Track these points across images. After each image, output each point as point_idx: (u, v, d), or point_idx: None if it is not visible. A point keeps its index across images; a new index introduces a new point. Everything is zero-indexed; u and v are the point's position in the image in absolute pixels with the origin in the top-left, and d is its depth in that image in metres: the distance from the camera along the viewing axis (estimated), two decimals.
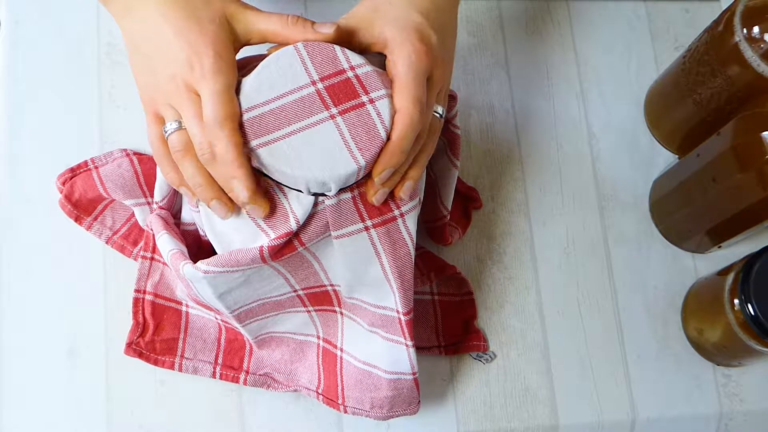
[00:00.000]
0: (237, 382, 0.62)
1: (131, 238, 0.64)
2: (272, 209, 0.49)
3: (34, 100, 0.67)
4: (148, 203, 0.63)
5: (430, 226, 0.66)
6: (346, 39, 0.50)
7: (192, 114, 0.47)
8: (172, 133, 0.48)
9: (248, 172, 0.46)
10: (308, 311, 0.59)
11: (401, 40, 0.49)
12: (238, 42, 0.49)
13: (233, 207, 0.49)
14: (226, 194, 0.48)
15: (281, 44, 0.50)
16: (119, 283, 0.63)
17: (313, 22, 0.49)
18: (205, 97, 0.46)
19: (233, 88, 0.47)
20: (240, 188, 0.46)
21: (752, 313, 0.59)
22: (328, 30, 0.49)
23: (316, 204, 0.48)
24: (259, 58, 0.50)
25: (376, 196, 0.49)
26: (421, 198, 0.55)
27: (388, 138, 0.48)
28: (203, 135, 0.46)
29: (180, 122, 0.48)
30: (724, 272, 0.64)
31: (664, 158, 0.73)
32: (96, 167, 0.64)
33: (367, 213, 0.49)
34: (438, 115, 0.51)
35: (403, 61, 0.48)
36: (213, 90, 0.46)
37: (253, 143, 0.46)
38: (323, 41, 0.49)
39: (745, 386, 0.68)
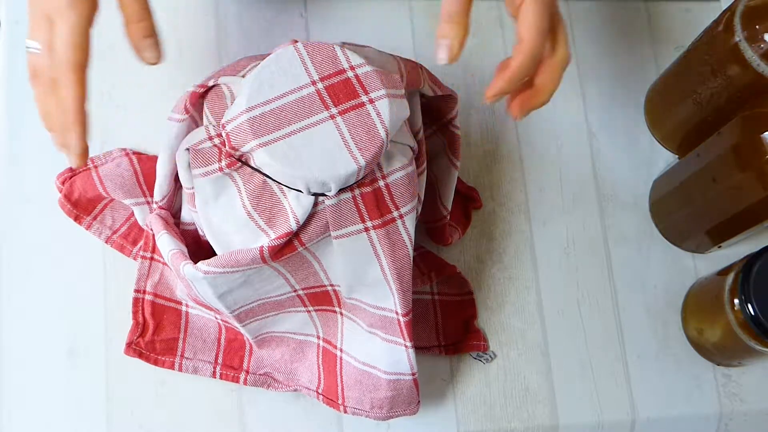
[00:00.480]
0: (237, 381, 0.62)
1: (131, 238, 0.64)
2: (272, 209, 0.49)
3: (34, 100, 0.67)
4: (148, 203, 0.63)
5: (430, 227, 0.66)
6: None
7: (44, 44, 0.47)
8: (29, 53, 0.48)
9: (82, 130, 0.47)
10: (308, 311, 0.59)
11: None
12: None
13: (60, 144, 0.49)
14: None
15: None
16: (119, 283, 0.63)
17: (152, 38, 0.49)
18: (58, 33, 0.46)
19: (87, 24, 0.47)
20: (73, 143, 0.46)
21: (752, 313, 0.59)
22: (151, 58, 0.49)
23: (316, 204, 0.48)
24: (259, 58, 0.50)
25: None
26: (421, 198, 0.55)
27: (388, 137, 0.48)
28: (49, 69, 0.46)
29: (38, 47, 0.48)
30: (724, 272, 0.64)
31: (664, 158, 0.73)
32: (95, 166, 0.64)
33: (367, 213, 0.49)
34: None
35: None
36: (65, 27, 0.46)
37: (253, 143, 0.46)
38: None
39: (745, 386, 0.68)
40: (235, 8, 0.72)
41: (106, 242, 0.64)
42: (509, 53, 0.73)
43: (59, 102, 0.47)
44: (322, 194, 0.48)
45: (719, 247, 0.69)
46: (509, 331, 0.67)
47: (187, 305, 0.63)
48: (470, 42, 0.73)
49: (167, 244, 0.54)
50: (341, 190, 0.48)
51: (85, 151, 0.47)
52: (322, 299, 0.57)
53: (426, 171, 0.54)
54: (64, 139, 0.47)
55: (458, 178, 0.62)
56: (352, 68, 0.49)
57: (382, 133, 0.48)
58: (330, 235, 0.50)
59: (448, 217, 0.64)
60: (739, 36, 0.60)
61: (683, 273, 0.70)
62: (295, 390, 0.62)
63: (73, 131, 0.47)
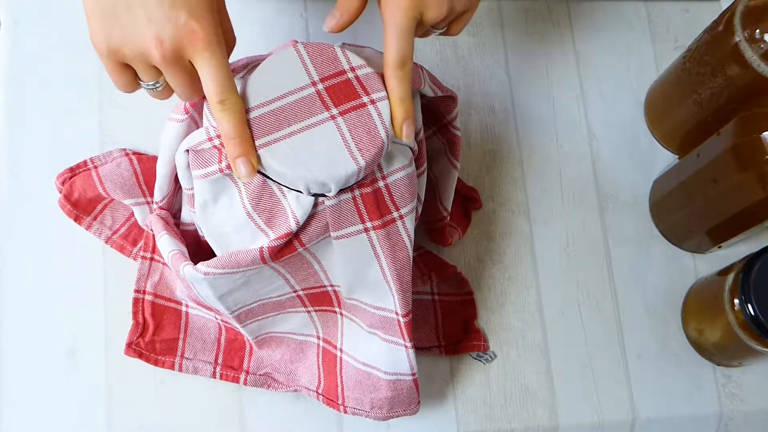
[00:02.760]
0: (237, 382, 0.62)
1: (131, 238, 0.64)
2: (272, 210, 0.49)
3: (34, 100, 0.67)
4: (147, 203, 0.63)
5: (430, 227, 0.66)
6: None
7: (182, 82, 0.46)
8: (154, 89, 0.47)
9: (253, 147, 0.46)
10: (308, 311, 0.59)
11: None
12: None
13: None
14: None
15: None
16: (119, 283, 0.63)
17: None
18: (207, 72, 0.45)
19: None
20: (245, 166, 0.46)
21: (752, 313, 0.59)
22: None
23: (315, 204, 0.48)
24: (259, 59, 0.50)
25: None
26: (421, 199, 0.55)
27: (388, 138, 0.48)
28: (192, 95, 0.46)
29: (161, 81, 0.47)
30: (724, 272, 0.64)
31: (664, 158, 0.73)
32: (95, 167, 0.64)
33: (367, 214, 0.49)
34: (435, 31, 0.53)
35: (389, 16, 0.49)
36: (217, 64, 0.44)
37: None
38: None
39: (745, 386, 0.68)
40: (236, 8, 0.72)
41: (106, 242, 0.64)
42: (509, 53, 0.74)
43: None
44: (322, 195, 0.48)
45: (719, 247, 0.69)
46: (509, 331, 0.67)
47: (187, 305, 0.63)
48: (470, 42, 0.74)
49: (167, 245, 0.54)
50: (341, 191, 0.48)
51: (255, 169, 0.47)
52: (322, 300, 0.57)
53: (426, 172, 0.54)
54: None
55: (458, 178, 0.62)
56: (352, 69, 0.49)
57: (383, 134, 0.48)
58: (330, 235, 0.50)
59: (448, 218, 0.64)
60: (739, 36, 0.60)
61: (683, 273, 0.70)
62: (295, 390, 0.62)
63: (241, 156, 0.46)
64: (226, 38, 0.47)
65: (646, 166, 0.73)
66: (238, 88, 0.48)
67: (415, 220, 0.52)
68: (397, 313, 0.54)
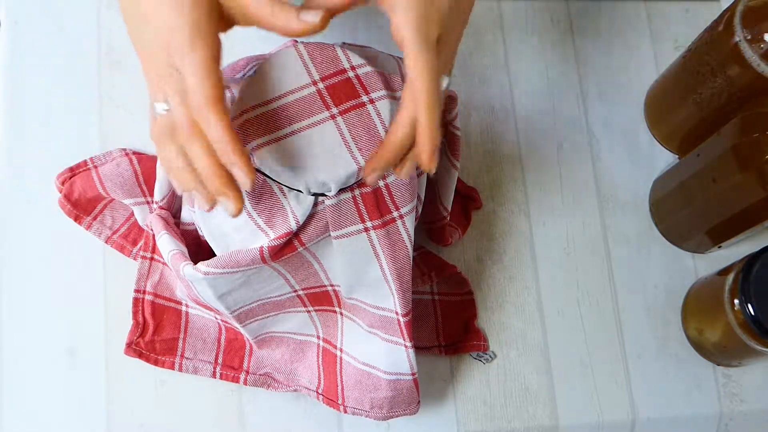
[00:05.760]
0: (237, 382, 0.62)
1: (131, 238, 0.64)
2: (272, 209, 0.49)
3: (34, 100, 0.67)
4: (148, 203, 0.63)
5: (430, 227, 0.66)
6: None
7: (174, 92, 0.43)
8: (160, 115, 0.44)
9: (246, 159, 0.42)
10: (308, 311, 0.59)
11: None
12: (223, 22, 0.44)
13: (213, 198, 0.44)
14: (204, 184, 0.44)
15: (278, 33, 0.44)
16: (119, 283, 0.63)
17: (299, 10, 0.43)
18: (186, 74, 0.42)
19: (214, 61, 0.42)
20: (242, 176, 0.42)
21: (752, 313, 0.59)
22: (314, 19, 0.42)
23: (316, 204, 0.48)
24: (259, 58, 0.50)
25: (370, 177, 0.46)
26: (421, 199, 0.55)
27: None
28: (187, 116, 0.42)
29: (166, 106, 0.44)
30: (724, 272, 0.64)
31: (664, 158, 0.73)
32: (95, 166, 0.64)
33: (367, 214, 0.49)
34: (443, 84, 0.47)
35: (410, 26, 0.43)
36: (194, 67, 0.41)
37: (254, 143, 0.46)
38: (311, 30, 0.43)
39: (745, 386, 0.68)
40: None
41: (106, 242, 0.64)
42: (509, 53, 0.74)
43: (205, 147, 0.42)
44: (322, 194, 0.48)
45: (719, 247, 0.69)
46: (509, 331, 0.67)
47: (187, 305, 0.63)
48: (470, 42, 0.74)
49: (167, 245, 0.54)
50: (341, 190, 0.48)
51: (253, 182, 0.42)
52: (322, 299, 0.57)
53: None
54: (220, 183, 0.42)
55: (458, 178, 0.62)
56: (352, 68, 0.49)
57: (382, 134, 0.48)
58: (330, 235, 0.50)
59: (448, 218, 0.64)
60: (739, 36, 0.60)
61: (683, 273, 0.70)
62: (295, 390, 0.62)
63: (236, 163, 0.41)
64: None
65: (646, 166, 0.73)
66: (239, 88, 0.48)
67: (415, 219, 0.52)
68: (397, 313, 0.54)
